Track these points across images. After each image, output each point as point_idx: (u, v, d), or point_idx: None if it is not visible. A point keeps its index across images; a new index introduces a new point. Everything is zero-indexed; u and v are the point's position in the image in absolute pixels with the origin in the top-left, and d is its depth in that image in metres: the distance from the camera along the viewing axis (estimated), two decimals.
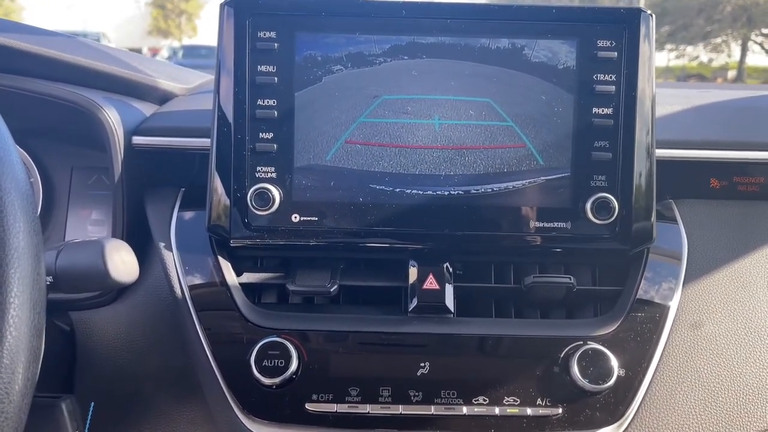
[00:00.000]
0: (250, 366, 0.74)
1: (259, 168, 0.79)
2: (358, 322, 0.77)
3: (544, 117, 0.78)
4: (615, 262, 0.82)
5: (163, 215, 0.88)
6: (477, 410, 0.74)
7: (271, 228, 0.79)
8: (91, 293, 0.85)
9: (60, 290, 0.67)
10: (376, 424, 0.75)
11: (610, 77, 0.78)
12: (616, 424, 0.76)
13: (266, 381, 0.73)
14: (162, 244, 0.85)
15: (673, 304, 0.80)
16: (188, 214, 0.87)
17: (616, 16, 0.78)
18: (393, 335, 0.76)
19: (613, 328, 0.77)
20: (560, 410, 0.74)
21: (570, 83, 0.78)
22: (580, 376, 0.73)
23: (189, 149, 0.88)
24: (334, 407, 0.74)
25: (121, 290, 0.87)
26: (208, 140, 0.80)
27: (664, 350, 0.78)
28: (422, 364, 0.75)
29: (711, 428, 0.78)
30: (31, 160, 0.97)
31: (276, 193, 0.78)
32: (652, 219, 0.79)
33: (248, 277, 0.81)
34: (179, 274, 0.82)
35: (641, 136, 0.78)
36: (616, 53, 0.78)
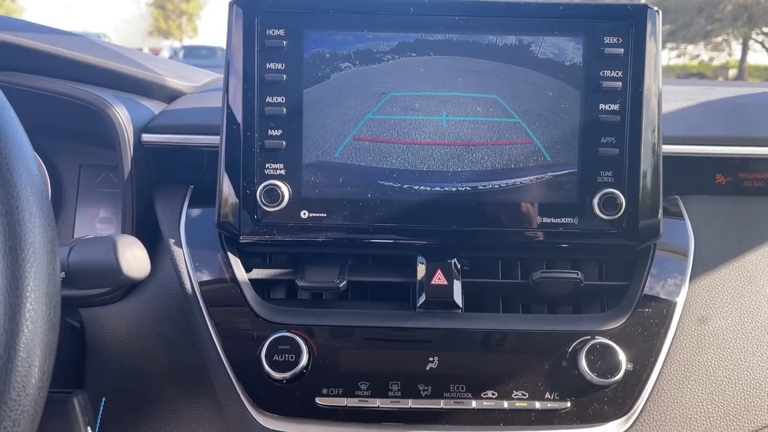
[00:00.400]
0: (260, 361, 0.74)
1: (268, 165, 0.79)
2: (367, 317, 0.78)
3: (551, 113, 0.78)
4: (622, 257, 0.83)
5: (172, 212, 0.88)
6: (486, 404, 0.75)
7: (280, 224, 0.79)
8: (101, 290, 0.86)
9: (73, 286, 0.67)
10: (385, 418, 0.76)
11: (617, 73, 0.78)
12: (623, 418, 0.76)
13: (277, 375, 0.74)
14: (172, 241, 0.86)
15: (680, 299, 0.80)
16: (197, 211, 0.88)
17: (622, 12, 0.79)
18: (402, 330, 0.77)
19: (621, 322, 0.77)
20: (568, 404, 0.75)
21: (577, 79, 0.78)
22: (588, 371, 0.74)
23: (198, 147, 0.89)
24: (344, 401, 0.75)
25: (130, 287, 0.88)
26: (217, 138, 0.81)
27: (671, 345, 0.78)
28: (431, 359, 0.76)
29: (718, 422, 0.79)
30: (39, 158, 0.97)
31: (285, 189, 0.78)
32: (659, 215, 0.79)
33: (258, 273, 0.82)
34: (189, 271, 0.82)
35: (647, 132, 0.78)
36: (622, 50, 0.78)
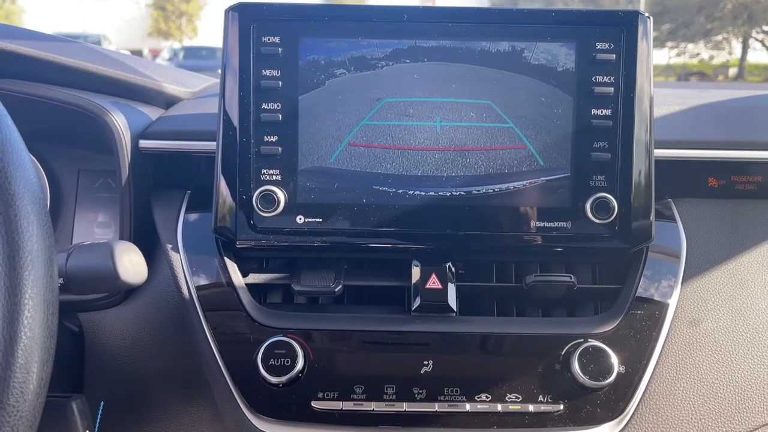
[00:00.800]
0: (256, 365, 0.75)
1: (264, 170, 0.80)
2: (363, 321, 0.79)
3: (544, 118, 0.79)
4: (615, 260, 0.84)
5: (169, 217, 0.89)
6: (480, 407, 0.76)
7: (276, 229, 0.80)
8: (100, 294, 0.87)
9: (70, 292, 0.68)
10: (381, 422, 0.76)
11: (609, 79, 0.79)
12: (616, 420, 0.77)
13: (273, 379, 0.75)
14: (169, 246, 0.86)
15: (672, 302, 0.81)
16: (194, 216, 0.89)
17: (614, 18, 0.79)
18: (397, 334, 0.78)
19: (614, 325, 0.78)
20: (561, 407, 0.76)
21: (569, 85, 0.79)
22: (580, 373, 0.74)
23: (195, 152, 0.90)
24: (339, 405, 0.76)
25: (129, 291, 0.88)
26: (214, 143, 0.81)
27: (663, 347, 0.79)
28: (426, 362, 0.77)
29: (710, 424, 0.80)
30: (38, 163, 0.98)
31: (281, 195, 0.79)
32: (651, 218, 0.80)
33: (254, 278, 0.83)
34: (186, 276, 0.83)
35: (640, 136, 0.79)
36: (614, 55, 0.79)
